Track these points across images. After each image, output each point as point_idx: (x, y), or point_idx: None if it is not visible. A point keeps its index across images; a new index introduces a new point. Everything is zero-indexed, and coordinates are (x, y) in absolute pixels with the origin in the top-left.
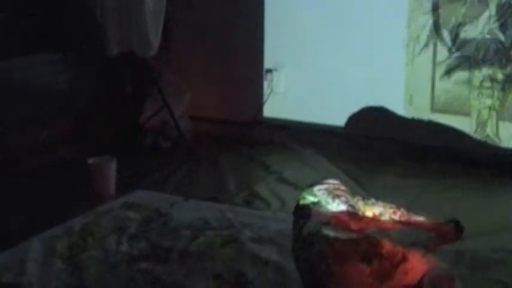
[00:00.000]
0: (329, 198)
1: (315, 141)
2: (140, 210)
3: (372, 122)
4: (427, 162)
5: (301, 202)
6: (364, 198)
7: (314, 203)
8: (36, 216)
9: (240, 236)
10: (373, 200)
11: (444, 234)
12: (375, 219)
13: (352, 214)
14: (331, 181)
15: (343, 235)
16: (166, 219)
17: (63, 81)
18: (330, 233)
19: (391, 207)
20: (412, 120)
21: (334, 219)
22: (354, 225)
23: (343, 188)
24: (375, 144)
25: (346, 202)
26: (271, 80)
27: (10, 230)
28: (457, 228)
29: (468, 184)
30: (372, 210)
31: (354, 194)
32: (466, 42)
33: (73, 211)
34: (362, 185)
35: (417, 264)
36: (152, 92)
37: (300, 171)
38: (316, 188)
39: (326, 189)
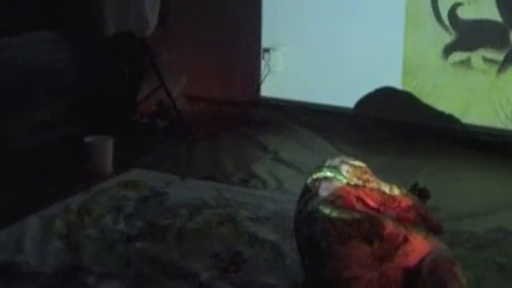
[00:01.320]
0: (343, 175)
1: (312, 121)
2: (137, 189)
3: (381, 103)
4: (424, 142)
5: (315, 175)
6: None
7: (326, 178)
8: (33, 194)
9: (236, 215)
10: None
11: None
12: (387, 200)
13: (363, 193)
14: (357, 163)
15: (346, 215)
16: (163, 198)
17: (60, 60)
18: (333, 212)
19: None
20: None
21: (342, 199)
22: (360, 205)
23: (366, 170)
24: (375, 125)
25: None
26: (269, 60)
27: (7, 208)
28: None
29: (464, 165)
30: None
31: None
32: (464, 22)
33: (70, 190)
34: None
35: (419, 246)
36: (149, 72)
37: (297, 151)
38: (336, 163)
39: (349, 166)
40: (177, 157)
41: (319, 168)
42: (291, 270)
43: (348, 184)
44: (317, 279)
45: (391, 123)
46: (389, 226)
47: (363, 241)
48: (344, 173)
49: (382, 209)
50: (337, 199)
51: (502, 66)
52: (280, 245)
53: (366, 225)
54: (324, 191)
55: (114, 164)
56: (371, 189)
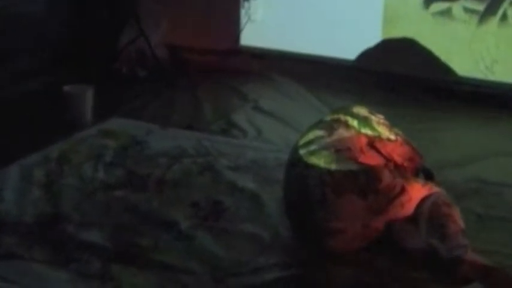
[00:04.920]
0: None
1: (292, 70)
2: (117, 138)
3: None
4: (408, 92)
5: (338, 116)
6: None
7: (347, 125)
8: (13, 144)
9: (216, 164)
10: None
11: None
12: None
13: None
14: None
15: (345, 167)
16: (142, 147)
17: (38, 10)
18: (333, 164)
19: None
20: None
21: (349, 151)
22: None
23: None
24: (360, 75)
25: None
26: (249, 8)
27: None
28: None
29: (445, 115)
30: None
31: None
32: None
33: (50, 139)
34: None
35: (415, 194)
36: (129, 20)
37: (277, 100)
38: (366, 114)
39: (380, 119)
40: (156, 106)
41: (347, 111)
42: (270, 219)
43: (382, 138)
44: (302, 227)
45: (374, 73)
46: (386, 178)
47: (357, 195)
48: (375, 125)
49: (406, 164)
50: (344, 150)
51: (483, 16)
52: (260, 193)
53: (362, 179)
54: (335, 139)
55: (93, 112)
56: (401, 143)
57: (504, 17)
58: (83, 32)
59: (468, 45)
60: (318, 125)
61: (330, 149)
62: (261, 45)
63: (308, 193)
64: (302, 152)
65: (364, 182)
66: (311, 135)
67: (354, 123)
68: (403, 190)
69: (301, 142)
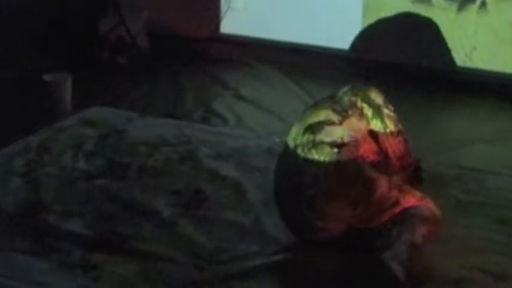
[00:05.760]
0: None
1: (273, 58)
2: (97, 127)
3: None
4: (385, 79)
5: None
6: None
7: (361, 113)
8: None
9: (197, 153)
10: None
11: (400, 157)
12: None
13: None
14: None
15: (343, 171)
16: (123, 136)
17: None
18: (330, 167)
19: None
20: None
21: (352, 147)
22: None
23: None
24: (342, 62)
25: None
26: None
27: None
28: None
29: (425, 102)
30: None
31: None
32: None
33: (30, 128)
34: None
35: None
36: (109, 8)
37: (258, 88)
38: (381, 103)
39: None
40: (137, 94)
41: (365, 95)
42: (252, 207)
43: (386, 132)
44: (289, 216)
45: (355, 61)
46: (382, 189)
47: (348, 204)
48: (385, 118)
49: (395, 161)
50: (349, 145)
51: (462, 4)
52: (241, 181)
53: (357, 189)
54: (344, 129)
55: (73, 101)
56: (400, 141)
57: (483, 4)
58: (63, 20)
59: (447, 33)
60: (333, 102)
61: (333, 145)
62: (241, 33)
63: (300, 190)
64: (306, 137)
65: (358, 193)
66: (322, 115)
67: (369, 113)
68: (396, 203)
69: (310, 120)
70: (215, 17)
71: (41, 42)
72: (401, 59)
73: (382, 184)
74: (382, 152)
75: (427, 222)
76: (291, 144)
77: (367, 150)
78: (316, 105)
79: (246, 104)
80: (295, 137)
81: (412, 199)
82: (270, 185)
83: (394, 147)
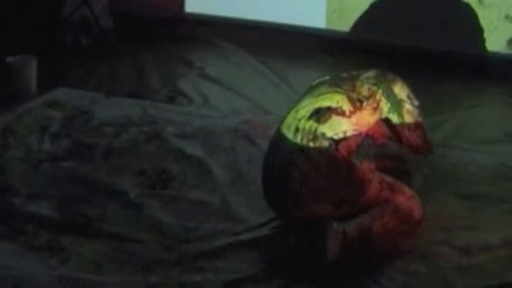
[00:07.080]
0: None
1: (238, 37)
2: (62, 109)
3: None
4: (349, 55)
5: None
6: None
7: (377, 106)
8: None
9: (163, 132)
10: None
11: (415, 148)
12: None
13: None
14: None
15: (333, 170)
16: (88, 117)
17: None
18: (322, 166)
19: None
20: None
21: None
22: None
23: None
24: (307, 40)
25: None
26: None
27: None
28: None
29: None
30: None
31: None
32: None
33: None
34: (285, 80)
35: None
36: None
37: (223, 67)
38: (403, 97)
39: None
40: (101, 75)
41: (388, 87)
42: (218, 186)
43: (402, 124)
44: (271, 198)
45: (319, 38)
46: (371, 192)
47: (332, 205)
48: (404, 113)
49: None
50: (351, 138)
51: None
52: (208, 161)
53: (345, 191)
54: (351, 122)
55: (38, 83)
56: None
57: None
58: (26, 2)
59: None
60: (353, 87)
61: (332, 141)
62: (206, 11)
63: (287, 184)
64: (310, 124)
65: (345, 195)
66: (335, 100)
67: (386, 107)
68: (384, 202)
69: (322, 102)
70: None
71: (4, 25)
72: (364, 35)
73: (374, 186)
74: (396, 139)
75: (398, 217)
76: (293, 123)
77: (377, 132)
78: (335, 83)
79: (212, 83)
80: (300, 117)
81: (401, 198)
82: (236, 164)
83: (410, 139)
